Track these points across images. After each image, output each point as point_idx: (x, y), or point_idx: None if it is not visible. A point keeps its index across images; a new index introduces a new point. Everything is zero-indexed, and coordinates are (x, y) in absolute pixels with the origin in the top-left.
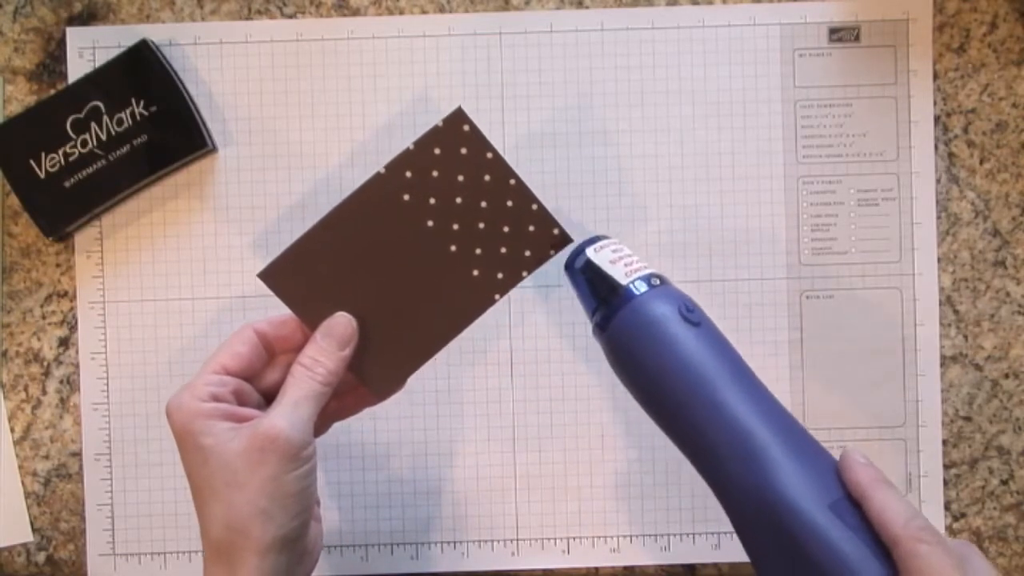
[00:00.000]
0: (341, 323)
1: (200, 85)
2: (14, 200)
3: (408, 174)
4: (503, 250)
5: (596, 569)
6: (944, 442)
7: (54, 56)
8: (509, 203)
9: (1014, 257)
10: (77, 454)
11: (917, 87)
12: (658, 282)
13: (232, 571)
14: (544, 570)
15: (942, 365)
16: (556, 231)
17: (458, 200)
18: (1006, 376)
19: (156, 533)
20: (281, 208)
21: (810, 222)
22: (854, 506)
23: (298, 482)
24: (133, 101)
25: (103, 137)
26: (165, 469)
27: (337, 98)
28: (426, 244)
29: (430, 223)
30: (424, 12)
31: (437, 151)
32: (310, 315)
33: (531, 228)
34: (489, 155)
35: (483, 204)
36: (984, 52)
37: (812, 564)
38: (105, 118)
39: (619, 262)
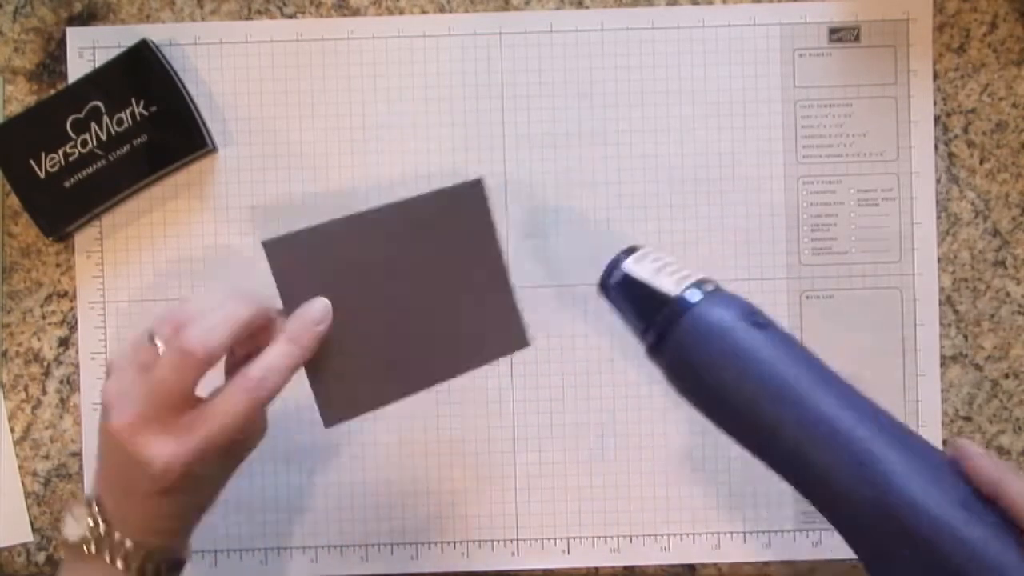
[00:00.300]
0: (316, 312)
1: (200, 85)
2: (14, 200)
3: (416, 218)
4: (466, 331)
5: (596, 569)
6: (944, 442)
7: (54, 56)
8: (488, 289)
9: (1014, 257)
10: (77, 454)
11: (917, 87)
12: (712, 287)
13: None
14: (544, 570)
15: (942, 365)
16: (519, 336)
17: (445, 263)
18: (1006, 376)
19: None
20: (281, 208)
21: (810, 222)
22: (986, 502)
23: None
24: (133, 101)
25: (103, 137)
26: None
27: (337, 98)
28: (412, 294)
29: (418, 274)
30: (424, 12)
31: (447, 208)
32: (290, 302)
33: (499, 321)
34: (488, 237)
35: (465, 278)
36: (984, 52)
37: (953, 569)
38: (105, 118)
39: (663, 271)
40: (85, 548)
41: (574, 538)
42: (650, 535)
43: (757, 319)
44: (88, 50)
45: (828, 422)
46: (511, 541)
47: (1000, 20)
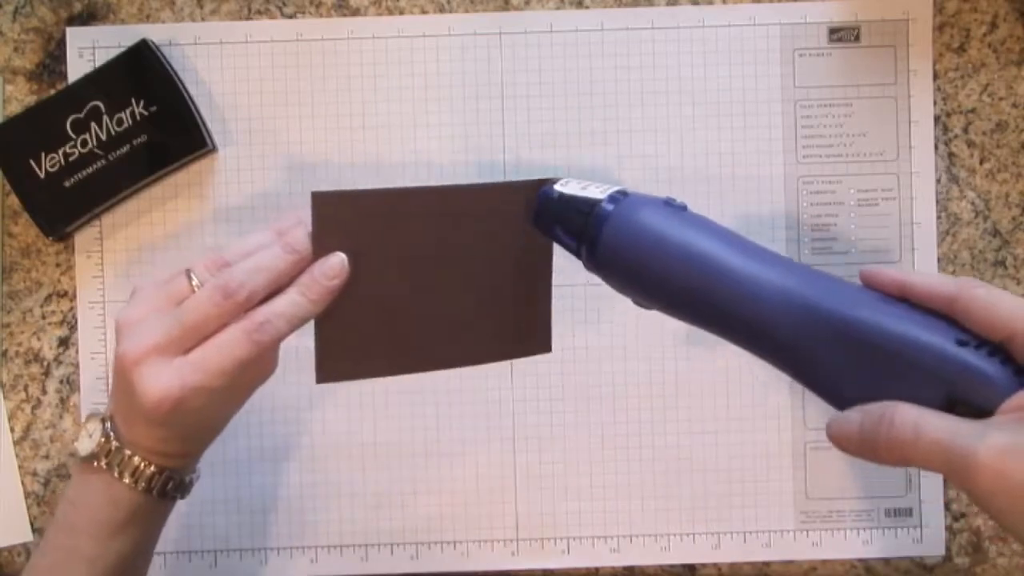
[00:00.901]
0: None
1: (200, 85)
2: (14, 200)
3: (477, 204)
4: (493, 323)
5: (596, 569)
6: None
7: (54, 56)
8: (529, 289)
9: (1014, 257)
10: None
11: (917, 87)
12: (626, 192)
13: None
14: (544, 570)
15: None
16: (544, 341)
17: (492, 253)
18: None
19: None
20: (281, 208)
21: (810, 222)
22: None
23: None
24: (133, 101)
25: (103, 137)
26: None
27: (337, 98)
28: (448, 275)
29: (461, 258)
30: (424, 12)
31: (512, 201)
32: (323, 252)
33: (529, 321)
34: (544, 241)
35: (509, 271)
36: (984, 52)
37: (886, 354)
38: (105, 118)
39: (586, 189)
40: (95, 462)
41: (574, 538)
42: (650, 535)
43: (675, 203)
44: (88, 50)
45: (752, 277)
46: (511, 541)
47: (1000, 20)
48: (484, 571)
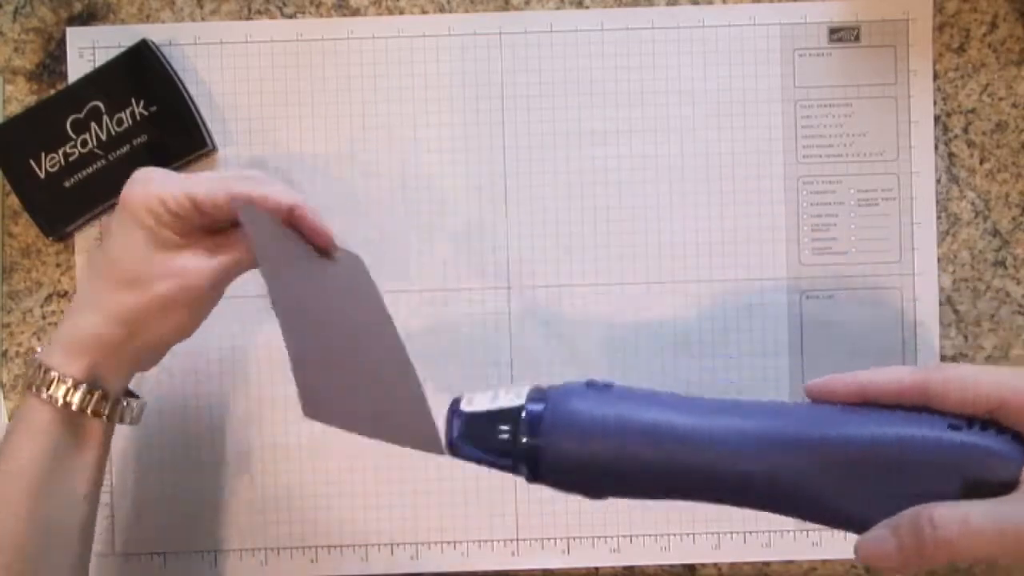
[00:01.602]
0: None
1: (200, 85)
2: (14, 200)
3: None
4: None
5: (596, 569)
6: None
7: (54, 56)
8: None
9: (1014, 257)
10: None
11: (917, 87)
12: (541, 388)
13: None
14: (544, 570)
15: None
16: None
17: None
18: None
19: (156, 533)
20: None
21: (810, 222)
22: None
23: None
24: (133, 101)
25: (103, 137)
26: (165, 470)
27: (337, 98)
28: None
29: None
30: (424, 12)
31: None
32: (266, 263)
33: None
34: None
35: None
36: (984, 52)
37: (915, 470)
38: (105, 118)
39: (498, 398)
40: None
41: (574, 538)
42: (650, 535)
43: (599, 382)
44: (88, 50)
45: (716, 432)
46: (511, 541)
47: (1000, 20)
48: (484, 571)
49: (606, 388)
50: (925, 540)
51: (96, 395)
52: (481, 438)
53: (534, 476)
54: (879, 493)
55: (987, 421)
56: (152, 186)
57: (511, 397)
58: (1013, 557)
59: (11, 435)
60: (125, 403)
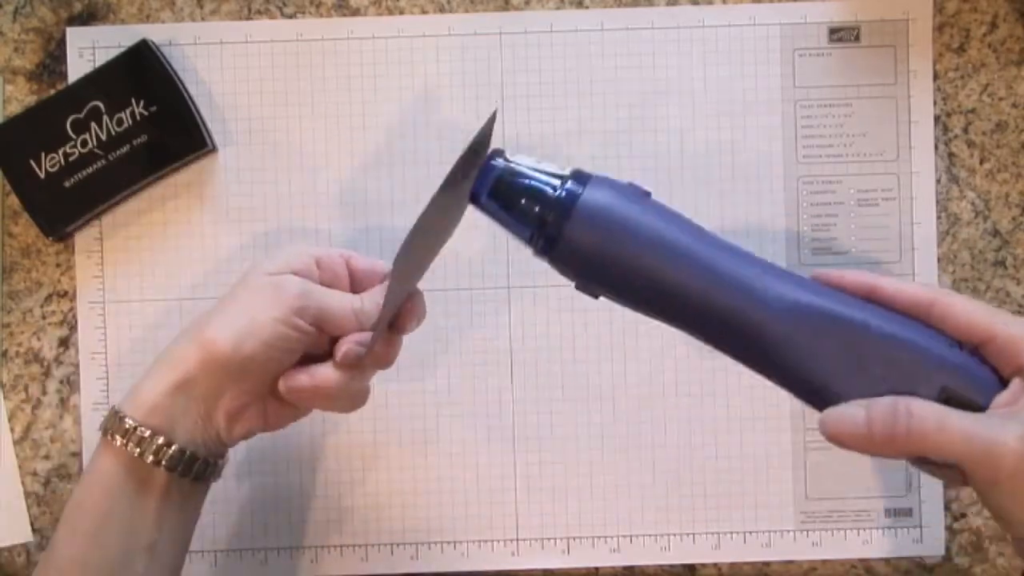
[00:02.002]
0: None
1: (200, 85)
2: (14, 200)
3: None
4: None
5: (596, 569)
6: None
7: (54, 56)
8: None
9: (1014, 257)
10: (77, 454)
11: (917, 87)
12: (586, 174)
13: (175, 364)
14: (544, 570)
15: None
16: None
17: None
18: None
19: None
20: (281, 208)
21: (810, 222)
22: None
23: (275, 321)
24: (133, 101)
25: (103, 137)
26: None
27: (337, 98)
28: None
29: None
30: (424, 12)
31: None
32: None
33: None
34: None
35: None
36: (984, 52)
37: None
38: (105, 118)
39: (542, 164)
40: (104, 435)
41: (574, 538)
42: (650, 535)
43: (639, 189)
44: (88, 50)
45: (738, 270)
46: (511, 541)
47: (1000, 20)
48: (484, 571)
49: (646, 195)
50: (899, 425)
51: (158, 442)
52: (509, 197)
53: (544, 252)
54: (866, 379)
55: (975, 349)
56: (312, 296)
57: (554, 168)
58: (971, 466)
59: (85, 473)
60: (188, 454)
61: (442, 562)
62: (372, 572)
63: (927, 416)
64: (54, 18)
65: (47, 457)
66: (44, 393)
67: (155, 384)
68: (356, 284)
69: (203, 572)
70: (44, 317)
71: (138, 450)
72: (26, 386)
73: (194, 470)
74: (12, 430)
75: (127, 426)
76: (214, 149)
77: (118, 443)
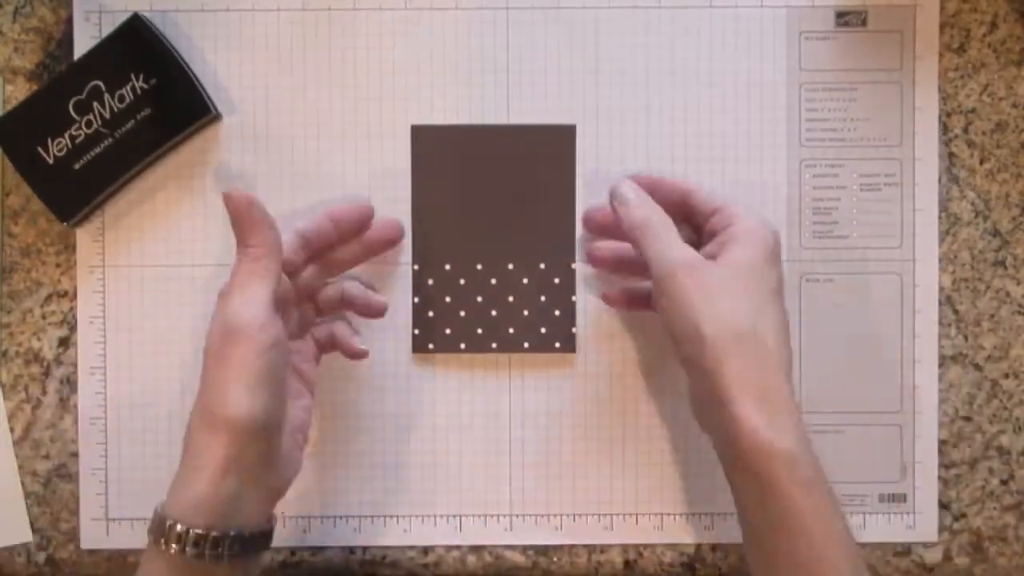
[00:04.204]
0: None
1: (205, 52)
2: (14, 200)
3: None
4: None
5: (593, 547)
6: (944, 442)
7: (54, 56)
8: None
9: (1014, 257)
10: (77, 454)
11: (922, 73)
12: None
13: (204, 454)
14: (537, 546)
15: (941, 365)
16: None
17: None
18: (1006, 376)
19: (149, 500)
20: (285, 178)
21: (812, 205)
22: None
23: (259, 359)
24: (132, 76)
25: (107, 115)
26: (160, 439)
27: (343, 68)
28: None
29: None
30: None
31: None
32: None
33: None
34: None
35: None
36: (984, 52)
37: None
38: (107, 96)
39: None
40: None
41: (567, 515)
42: (644, 514)
43: None
44: (94, 14)
45: None
46: (504, 516)
47: (1000, 20)
48: (477, 545)
49: None
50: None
51: (213, 536)
52: None
53: None
54: None
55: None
56: (268, 311)
57: None
58: (651, 265)
59: None
60: (248, 535)
61: (434, 536)
62: (364, 544)
63: (652, 216)
64: (54, 18)
65: (47, 457)
66: (44, 393)
67: (194, 482)
68: (348, 232)
69: None
70: (44, 317)
71: (195, 550)
72: (26, 386)
73: (256, 546)
74: (12, 430)
75: (179, 531)
76: (218, 116)
77: (173, 550)
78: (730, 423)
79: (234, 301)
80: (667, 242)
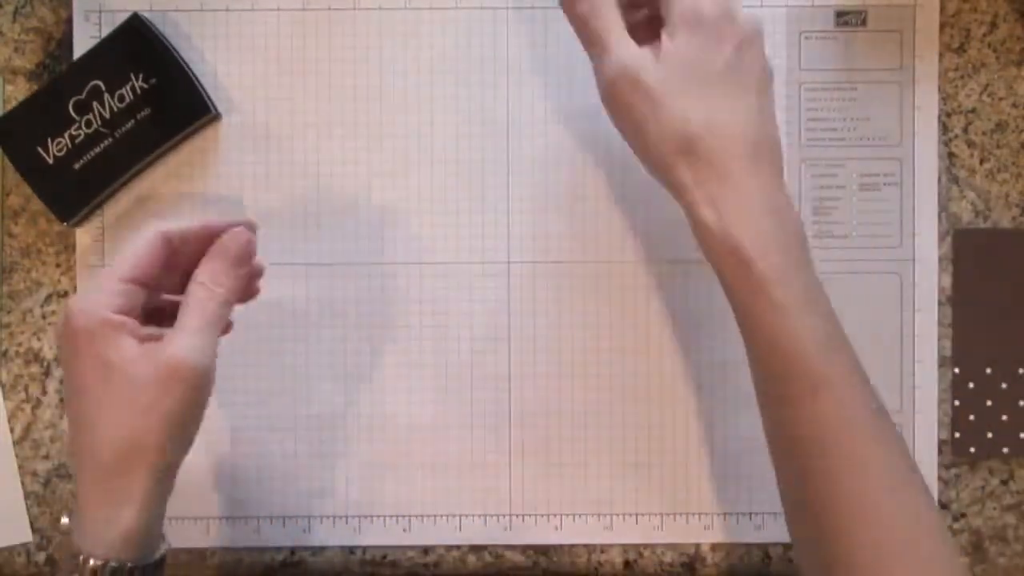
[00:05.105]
0: (237, 239)
1: (205, 53)
2: (14, 200)
3: None
4: None
5: (592, 546)
6: (944, 442)
7: (54, 56)
8: None
9: None
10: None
11: (922, 73)
12: None
13: (127, 490)
14: (536, 546)
15: (942, 366)
16: None
17: None
18: None
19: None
20: (284, 178)
21: (811, 205)
22: None
23: (199, 410)
24: (132, 76)
25: (106, 115)
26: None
27: (342, 68)
28: None
29: None
30: None
31: None
32: None
33: None
34: None
35: None
36: (984, 52)
37: None
38: (106, 96)
39: None
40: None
41: (567, 515)
42: (643, 514)
43: None
44: (94, 14)
45: None
46: (504, 516)
47: (1000, 20)
48: (476, 545)
49: None
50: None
51: (126, 570)
52: None
53: None
54: None
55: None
56: (83, 301)
57: None
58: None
59: None
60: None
61: (434, 535)
62: (364, 543)
63: (603, 4)
64: (54, 18)
65: (47, 457)
66: (44, 393)
67: (120, 515)
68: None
69: (196, 539)
70: (44, 317)
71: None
72: (26, 386)
73: (157, 570)
74: (12, 430)
75: (93, 565)
76: (218, 115)
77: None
78: (690, 222)
79: (187, 349)
80: (606, 42)
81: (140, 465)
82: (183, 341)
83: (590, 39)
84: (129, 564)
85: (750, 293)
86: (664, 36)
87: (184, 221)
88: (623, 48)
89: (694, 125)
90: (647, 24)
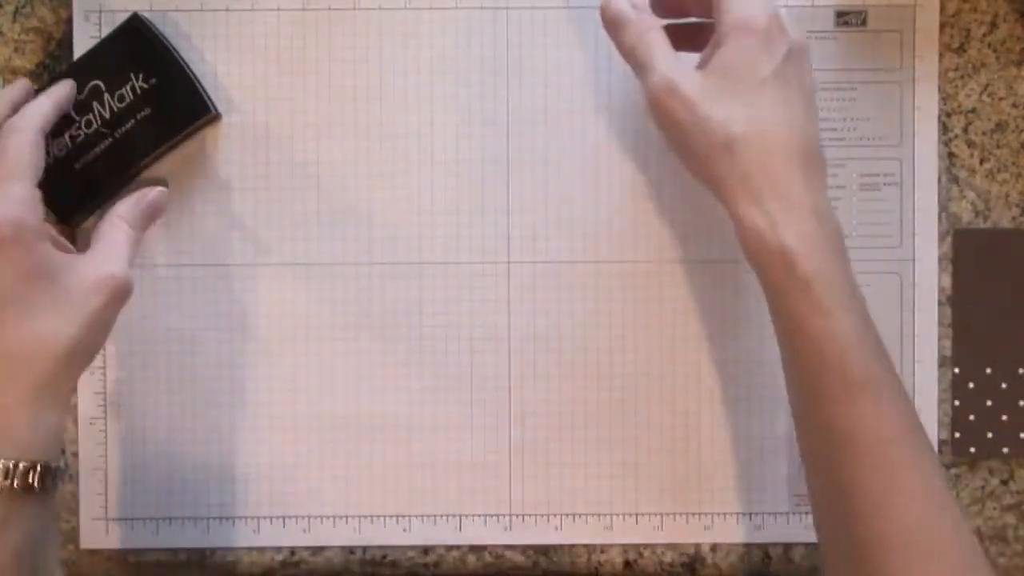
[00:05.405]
0: (162, 195)
1: (205, 53)
2: None
3: None
4: None
5: (592, 546)
6: (944, 442)
7: (54, 56)
8: None
9: None
10: (77, 454)
11: (922, 73)
12: None
13: (58, 392)
14: (536, 546)
15: (942, 366)
16: None
17: None
18: None
19: (147, 498)
20: (284, 176)
21: None
22: None
23: (113, 322)
24: (132, 76)
25: (106, 115)
26: (160, 438)
27: (342, 68)
28: None
29: None
30: None
31: None
32: None
33: None
34: None
35: None
36: (984, 52)
37: None
38: (106, 96)
39: None
40: None
41: (567, 515)
42: (643, 514)
43: None
44: (94, 14)
45: None
46: (504, 516)
47: (1000, 20)
48: (476, 545)
49: None
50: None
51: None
52: None
53: None
54: None
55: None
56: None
57: None
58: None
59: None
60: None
61: (434, 535)
62: (365, 543)
63: (647, 31)
64: (54, 18)
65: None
66: None
67: (40, 417)
68: None
69: (196, 539)
70: None
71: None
72: None
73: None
74: None
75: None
76: (218, 116)
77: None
78: (735, 224)
79: (120, 266)
80: (652, 64)
81: (75, 368)
82: (112, 255)
83: (637, 63)
84: (54, 464)
85: (793, 292)
86: (712, 43)
87: (49, 106)
88: (666, 62)
89: (739, 126)
90: (694, 32)
